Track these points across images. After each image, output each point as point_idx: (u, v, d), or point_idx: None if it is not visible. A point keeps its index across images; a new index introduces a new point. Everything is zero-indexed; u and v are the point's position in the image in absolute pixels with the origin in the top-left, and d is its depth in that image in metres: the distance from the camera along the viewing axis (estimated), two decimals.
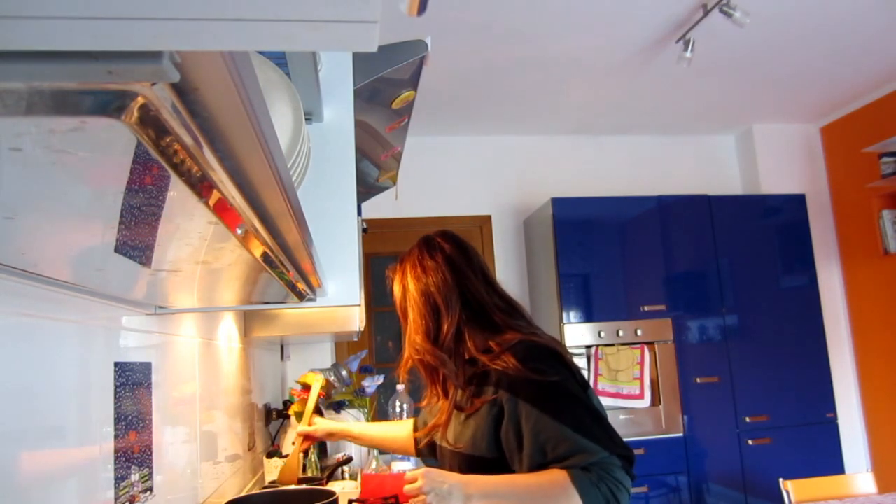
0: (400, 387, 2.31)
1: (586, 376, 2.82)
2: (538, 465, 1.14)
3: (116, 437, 1.05)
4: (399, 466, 2.19)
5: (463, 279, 1.32)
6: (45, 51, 0.28)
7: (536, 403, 1.15)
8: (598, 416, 1.17)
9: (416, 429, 1.60)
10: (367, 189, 2.37)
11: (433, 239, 1.40)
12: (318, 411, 2.48)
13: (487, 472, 1.20)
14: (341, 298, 1.29)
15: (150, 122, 0.35)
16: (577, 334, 3.39)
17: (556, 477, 1.10)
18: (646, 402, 3.32)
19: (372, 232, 3.18)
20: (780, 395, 3.54)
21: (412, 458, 2.21)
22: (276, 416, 2.65)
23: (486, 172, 4.04)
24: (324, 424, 1.76)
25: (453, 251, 1.36)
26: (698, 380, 3.46)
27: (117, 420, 1.06)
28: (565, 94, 3.53)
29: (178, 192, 0.48)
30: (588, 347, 3.39)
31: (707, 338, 3.53)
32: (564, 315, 3.40)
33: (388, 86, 1.59)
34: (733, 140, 4.33)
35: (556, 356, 1.22)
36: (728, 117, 4.03)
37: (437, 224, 3.97)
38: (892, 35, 3.05)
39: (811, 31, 2.96)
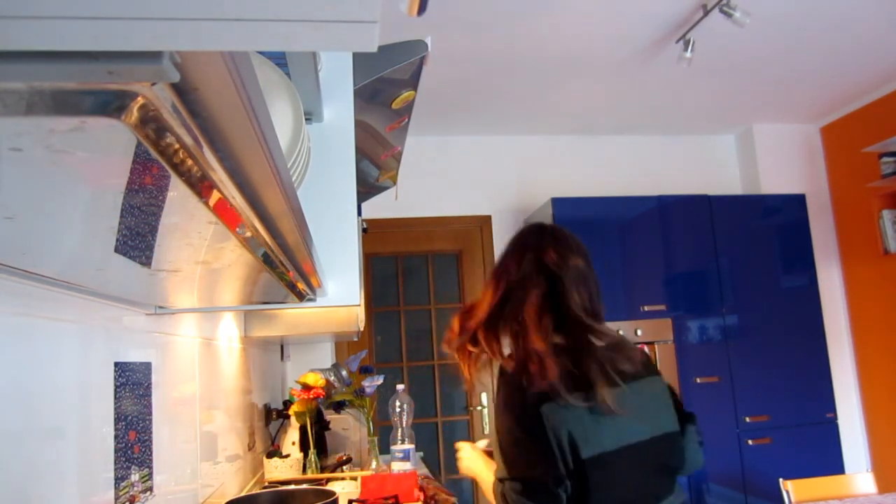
0: (400, 386, 2.31)
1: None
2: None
3: (116, 437, 1.05)
4: (399, 466, 2.19)
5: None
6: (45, 51, 0.28)
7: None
8: (521, 440, 1.23)
9: None
10: (367, 189, 2.37)
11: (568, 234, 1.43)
12: (318, 413, 2.49)
13: None
14: (341, 298, 1.29)
15: (150, 122, 0.35)
16: None
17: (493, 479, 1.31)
18: None
19: (372, 232, 3.17)
20: (780, 395, 3.53)
21: (411, 458, 2.21)
22: (276, 416, 2.65)
23: (486, 172, 4.04)
24: None
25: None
26: (698, 380, 3.46)
27: (117, 420, 1.06)
28: (565, 94, 3.53)
29: (178, 192, 0.48)
30: None
31: (707, 338, 3.53)
32: None
33: (388, 86, 1.59)
34: (733, 140, 4.33)
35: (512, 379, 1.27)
36: (728, 117, 4.03)
37: (437, 224, 3.98)
38: (892, 35, 3.05)
39: (811, 32, 2.96)
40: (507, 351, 1.32)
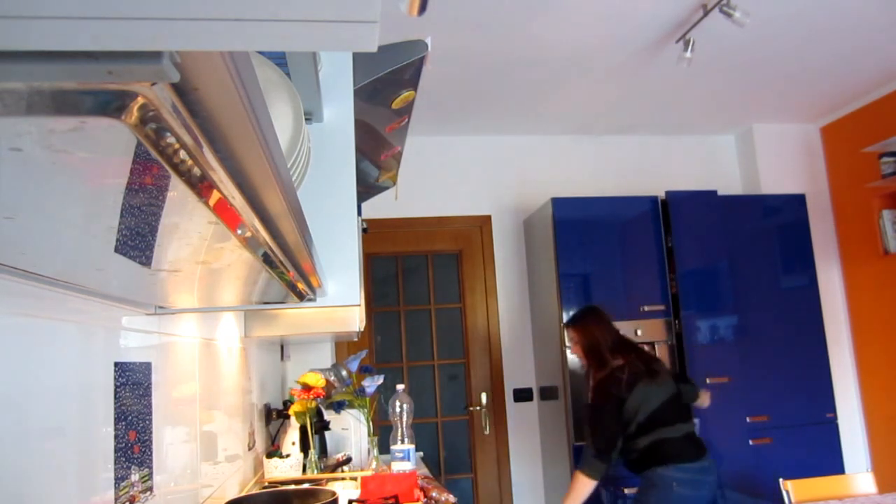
0: (400, 387, 2.31)
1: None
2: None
3: (116, 437, 1.05)
4: (399, 467, 2.19)
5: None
6: (45, 51, 0.28)
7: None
8: (602, 429, 2.46)
9: None
10: (367, 189, 2.37)
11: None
12: (318, 413, 2.49)
13: None
14: (341, 298, 1.29)
15: (150, 122, 0.35)
16: None
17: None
18: None
19: (372, 232, 3.17)
20: (781, 394, 3.53)
21: (411, 458, 2.21)
22: (276, 416, 2.65)
23: (486, 172, 4.04)
24: None
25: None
26: (708, 380, 3.45)
27: (117, 420, 1.06)
28: (565, 94, 3.53)
29: (178, 192, 0.48)
30: None
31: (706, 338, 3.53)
32: (564, 315, 3.39)
33: (388, 86, 1.59)
34: (733, 140, 4.33)
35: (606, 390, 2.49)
36: (728, 117, 4.03)
37: (437, 224, 3.98)
38: (892, 35, 3.05)
39: (811, 32, 2.96)
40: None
